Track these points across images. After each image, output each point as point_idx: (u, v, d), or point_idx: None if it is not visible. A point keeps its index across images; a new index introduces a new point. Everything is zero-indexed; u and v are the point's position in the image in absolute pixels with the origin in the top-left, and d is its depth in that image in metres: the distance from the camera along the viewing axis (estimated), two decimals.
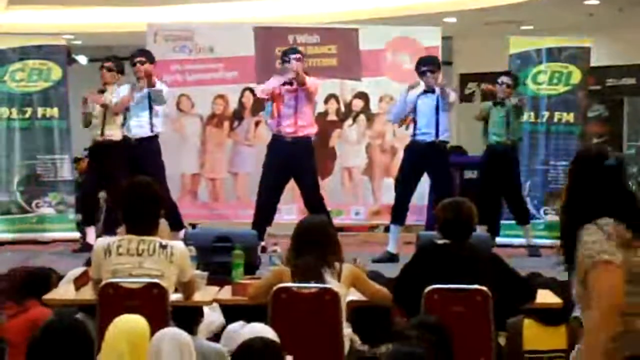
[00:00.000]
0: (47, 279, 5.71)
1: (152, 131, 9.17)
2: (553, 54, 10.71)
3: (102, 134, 9.28)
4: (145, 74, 9.01)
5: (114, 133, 9.30)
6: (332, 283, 5.17)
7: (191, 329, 4.91)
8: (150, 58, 9.25)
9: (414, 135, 9.06)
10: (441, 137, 8.97)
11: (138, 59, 9.19)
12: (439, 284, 5.11)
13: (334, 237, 5.47)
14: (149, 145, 9.13)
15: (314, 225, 5.51)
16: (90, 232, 9.33)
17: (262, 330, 4.36)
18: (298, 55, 8.96)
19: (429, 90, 8.94)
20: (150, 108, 9.12)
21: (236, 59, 10.81)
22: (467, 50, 14.97)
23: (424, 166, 8.98)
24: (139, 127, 9.17)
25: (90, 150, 9.59)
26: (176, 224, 8.54)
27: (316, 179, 9.16)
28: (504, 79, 9.61)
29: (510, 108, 9.49)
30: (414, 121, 9.03)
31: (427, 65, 9.00)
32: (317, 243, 5.31)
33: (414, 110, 9.00)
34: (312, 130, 9.15)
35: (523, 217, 9.75)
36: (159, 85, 9.09)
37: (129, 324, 4.05)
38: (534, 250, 9.51)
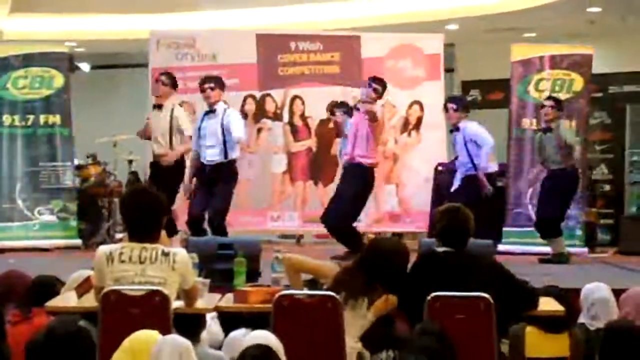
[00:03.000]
0: (52, 287, 5.71)
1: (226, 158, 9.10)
2: (555, 62, 10.73)
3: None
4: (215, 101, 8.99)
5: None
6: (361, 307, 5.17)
7: (194, 337, 4.90)
8: (221, 85, 9.19)
9: None
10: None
11: (208, 85, 9.10)
12: (439, 292, 5.11)
13: (399, 268, 5.34)
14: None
15: (385, 248, 5.46)
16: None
17: (265, 337, 4.35)
18: None
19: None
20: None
21: (238, 66, 10.84)
22: (469, 57, 14.95)
23: None
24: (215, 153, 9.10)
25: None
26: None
27: None
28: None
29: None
30: None
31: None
32: (376, 269, 5.27)
33: None
34: None
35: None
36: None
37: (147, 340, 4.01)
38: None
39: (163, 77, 9.42)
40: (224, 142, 9.01)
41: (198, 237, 8.37)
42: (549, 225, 9.53)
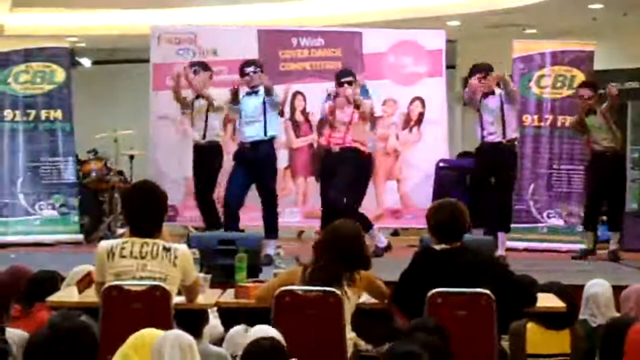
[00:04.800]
0: (52, 282, 5.71)
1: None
2: (557, 58, 10.72)
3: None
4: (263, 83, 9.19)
5: None
6: (343, 289, 5.17)
7: (196, 332, 4.90)
8: (261, 66, 9.43)
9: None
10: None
11: (252, 68, 9.30)
12: (438, 288, 5.11)
13: (361, 245, 5.42)
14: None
15: (346, 230, 5.48)
16: None
17: (267, 332, 4.36)
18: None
19: None
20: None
21: (240, 62, 10.82)
22: (470, 53, 14.93)
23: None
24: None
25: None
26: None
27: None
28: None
29: None
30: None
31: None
32: (341, 249, 5.30)
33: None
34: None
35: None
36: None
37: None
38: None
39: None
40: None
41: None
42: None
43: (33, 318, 5.33)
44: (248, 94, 9.32)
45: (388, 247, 9.51)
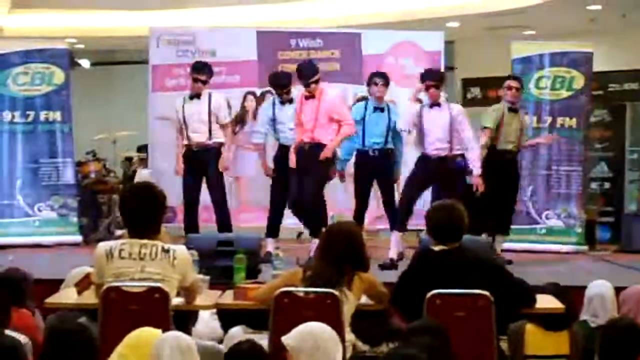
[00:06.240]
0: (19, 283, 5.62)
1: None
2: (556, 59, 10.72)
3: None
4: None
5: None
6: (343, 291, 5.17)
7: (187, 330, 4.90)
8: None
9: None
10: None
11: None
12: (436, 290, 5.11)
13: (360, 247, 5.40)
14: None
15: (342, 231, 5.47)
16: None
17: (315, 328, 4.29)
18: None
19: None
20: None
21: (238, 63, 10.81)
22: (469, 55, 14.97)
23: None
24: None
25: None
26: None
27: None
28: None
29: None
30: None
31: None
32: (338, 250, 5.29)
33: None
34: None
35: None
36: None
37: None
38: None
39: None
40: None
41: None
42: None
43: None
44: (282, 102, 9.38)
45: None
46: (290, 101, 9.29)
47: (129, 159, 12.82)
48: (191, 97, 9.38)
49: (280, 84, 9.28)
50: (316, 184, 8.95)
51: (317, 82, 8.93)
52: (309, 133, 8.93)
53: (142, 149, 12.11)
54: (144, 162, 11.92)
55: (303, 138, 8.96)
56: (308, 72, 8.95)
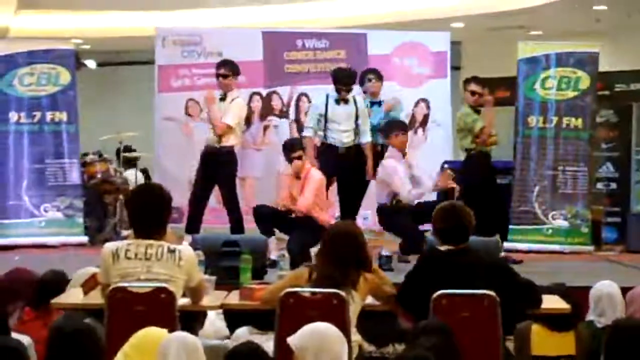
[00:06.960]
0: (61, 283, 5.70)
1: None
2: (561, 59, 10.71)
3: None
4: None
5: None
6: (349, 291, 5.16)
7: (194, 330, 4.91)
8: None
9: None
10: None
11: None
12: (443, 290, 5.11)
13: (359, 246, 5.40)
14: None
15: (343, 232, 5.47)
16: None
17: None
18: None
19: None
20: None
21: (244, 64, 10.79)
22: (475, 55, 14.95)
23: None
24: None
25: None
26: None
27: None
28: None
29: None
30: None
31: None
32: (344, 252, 5.29)
33: None
34: None
35: None
36: None
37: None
38: None
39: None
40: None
41: None
42: None
43: (45, 320, 5.31)
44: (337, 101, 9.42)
45: None
46: (346, 101, 9.31)
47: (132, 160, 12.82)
48: (221, 99, 9.54)
49: (344, 81, 9.32)
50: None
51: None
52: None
53: (126, 150, 12.19)
54: (130, 164, 12.01)
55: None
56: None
